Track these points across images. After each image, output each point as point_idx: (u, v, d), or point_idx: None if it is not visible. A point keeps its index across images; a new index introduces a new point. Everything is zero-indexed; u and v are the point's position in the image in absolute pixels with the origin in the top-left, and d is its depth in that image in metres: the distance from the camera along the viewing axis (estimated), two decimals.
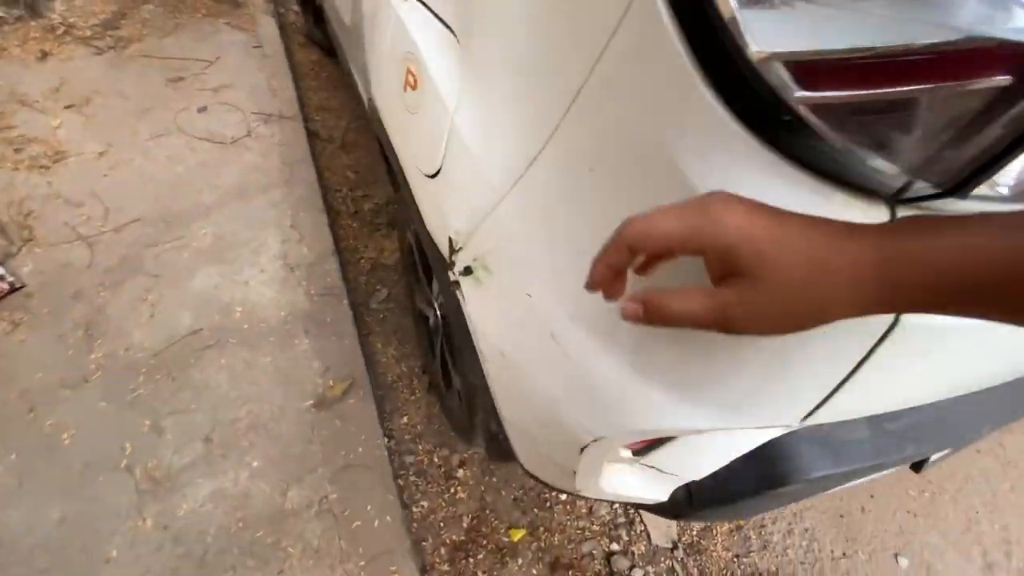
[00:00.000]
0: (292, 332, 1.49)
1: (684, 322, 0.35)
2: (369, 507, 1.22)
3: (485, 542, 1.27)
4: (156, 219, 1.69)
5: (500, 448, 0.95)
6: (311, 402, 1.37)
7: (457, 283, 0.77)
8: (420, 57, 0.73)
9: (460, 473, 1.37)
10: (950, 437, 0.80)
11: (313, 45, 2.62)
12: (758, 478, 0.74)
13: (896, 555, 1.36)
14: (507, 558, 1.25)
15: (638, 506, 0.91)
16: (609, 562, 1.27)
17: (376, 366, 1.54)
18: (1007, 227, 0.31)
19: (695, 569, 1.30)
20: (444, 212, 0.74)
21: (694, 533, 1.35)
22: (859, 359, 0.49)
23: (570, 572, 1.25)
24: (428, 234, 0.83)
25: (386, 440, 1.36)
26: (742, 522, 1.38)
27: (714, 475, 0.76)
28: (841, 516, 1.42)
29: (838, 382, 0.52)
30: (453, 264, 0.76)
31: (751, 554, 1.34)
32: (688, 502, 0.86)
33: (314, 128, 2.17)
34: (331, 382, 1.41)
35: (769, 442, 0.64)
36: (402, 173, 0.91)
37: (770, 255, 0.33)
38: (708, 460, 0.74)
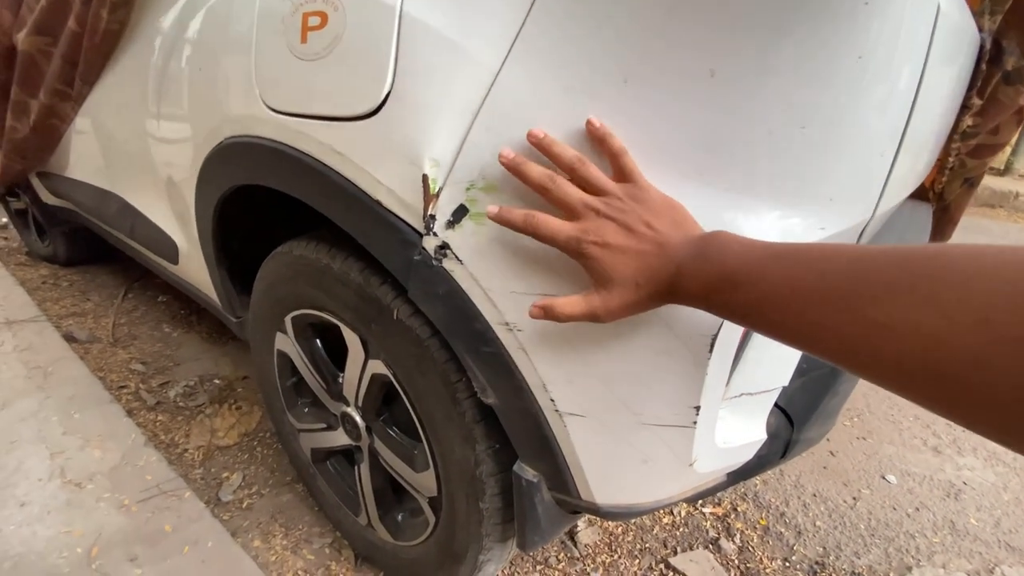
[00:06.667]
0: (107, 570, 0.90)
1: (568, 320, 0.46)
2: None
3: None
4: None
5: (536, 513, 0.67)
6: None
7: (445, 247, 0.57)
8: None
9: None
10: None
11: (39, 262, 2.10)
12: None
13: (883, 476, 1.37)
14: None
15: (742, 474, 0.72)
16: None
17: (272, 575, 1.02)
18: (775, 256, 0.35)
19: None
20: (411, 144, 0.57)
21: (736, 562, 1.13)
22: None
23: None
24: (375, 215, 0.62)
25: None
26: (767, 522, 1.23)
27: (796, 372, 0.66)
28: (824, 467, 1.39)
29: None
30: (433, 221, 0.57)
31: (794, 548, 1.17)
32: (789, 421, 0.72)
33: (68, 332, 1.63)
34: None
35: None
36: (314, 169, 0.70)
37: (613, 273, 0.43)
38: (781, 363, 0.65)
